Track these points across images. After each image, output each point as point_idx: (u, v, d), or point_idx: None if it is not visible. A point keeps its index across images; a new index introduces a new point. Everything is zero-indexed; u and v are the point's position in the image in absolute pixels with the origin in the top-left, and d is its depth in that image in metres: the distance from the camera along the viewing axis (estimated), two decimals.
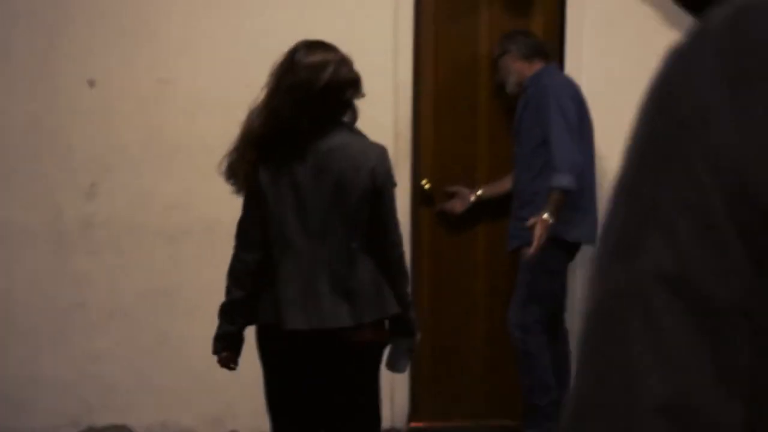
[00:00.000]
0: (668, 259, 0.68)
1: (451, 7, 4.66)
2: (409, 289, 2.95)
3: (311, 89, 2.69)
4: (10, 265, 4.51)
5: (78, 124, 4.49)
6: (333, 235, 2.78)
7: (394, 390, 4.43)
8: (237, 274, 2.90)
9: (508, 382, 4.59)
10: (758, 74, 0.68)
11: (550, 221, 3.86)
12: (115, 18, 4.49)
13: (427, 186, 4.62)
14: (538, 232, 3.85)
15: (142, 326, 4.55)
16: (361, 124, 2.95)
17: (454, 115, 4.70)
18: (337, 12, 4.49)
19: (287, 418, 2.99)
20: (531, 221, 3.86)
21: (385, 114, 4.34)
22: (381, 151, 2.82)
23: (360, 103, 2.90)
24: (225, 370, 3.09)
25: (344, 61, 2.77)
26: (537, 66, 4.29)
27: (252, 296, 2.87)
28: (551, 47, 4.48)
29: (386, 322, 2.94)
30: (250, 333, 3.08)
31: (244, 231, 2.87)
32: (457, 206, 4.58)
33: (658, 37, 4.48)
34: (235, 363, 3.03)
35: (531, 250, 3.87)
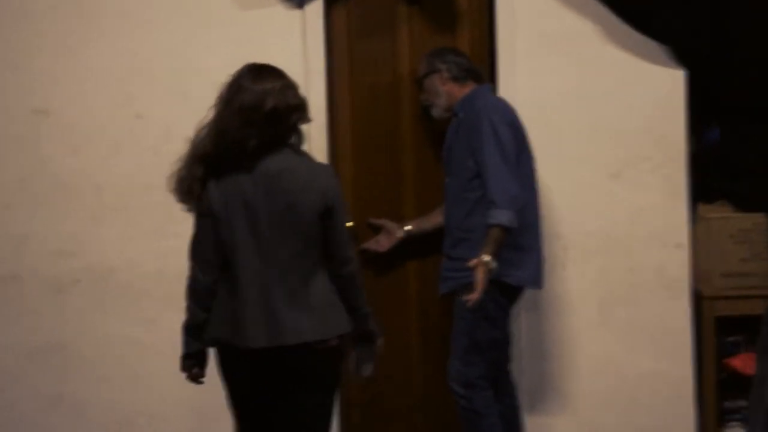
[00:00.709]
0: None
1: (365, 24, 4.23)
2: (363, 302, 3.06)
3: (258, 112, 2.83)
4: None
5: None
6: (286, 253, 2.89)
7: None
8: (198, 295, 2.99)
9: None
10: None
11: (492, 264, 3.40)
12: None
13: (349, 224, 4.07)
14: (479, 275, 3.40)
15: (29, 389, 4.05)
16: None
17: (375, 144, 4.26)
18: (239, 33, 4.07)
19: (250, 422, 3.08)
20: (472, 262, 3.40)
21: None
22: (329, 171, 3.01)
23: None
24: None
25: (290, 86, 2.92)
26: (469, 88, 3.86)
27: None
28: (481, 67, 4.04)
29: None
30: None
31: (201, 252, 2.96)
32: (383, 243, 4.14)
33: (596, 54, 4.15)
34: (203, 377, 3.12)
35: (473, 295, 3.39)
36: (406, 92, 4.21)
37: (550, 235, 4.09)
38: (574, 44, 4.14)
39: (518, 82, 4.14)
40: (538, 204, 3.83)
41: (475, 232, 3.62)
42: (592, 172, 4.19)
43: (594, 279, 4.20)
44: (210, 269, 2.95)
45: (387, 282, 4.24)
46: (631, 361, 4.18)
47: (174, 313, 3.89)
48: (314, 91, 3.97)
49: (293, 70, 3.73)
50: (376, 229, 4.19)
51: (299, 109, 2.93)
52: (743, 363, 4.07)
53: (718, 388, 4.16)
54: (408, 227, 4.10)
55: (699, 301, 4.17)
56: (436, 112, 3.93)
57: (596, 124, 4.18)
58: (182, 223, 3.90)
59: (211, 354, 3.11)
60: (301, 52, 4.07)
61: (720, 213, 4.19)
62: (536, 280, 3.80)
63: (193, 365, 3.09)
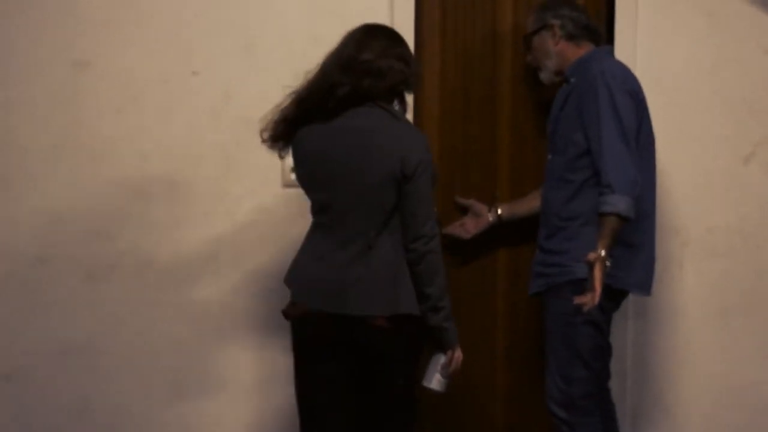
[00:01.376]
0: None
1: None
2: (439, 291, 2.77)
3: (356, 60, 2.76)
4: None
5: None
6: (354, 215, 2.76)
7: None
8: None
9: None
10: None
11: (607, 261, 2.86)
12: None
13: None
14: (597, 273, 2.84)
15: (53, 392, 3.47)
16: None
17: (466, 112, 3.66)
18: None
19: (316, 419, 2.87)
20: (591, 256, 2.84)
21: None
22: (418, 139, 2.81)
23: None
24: None
25: (400, 49, 2.84)
26: (585, 49, 3.27)
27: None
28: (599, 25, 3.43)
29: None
30: None
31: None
32: (468, 228, 3.58)
33: (735, 15, 3.52)
34: None
35: (588, 298, 2.85)
36: (506, 51, 3.63)
37: (665, 228, 3.51)
38: (708, 1, 3.53)
39: (638, 45, 3.53)
40: (654, 193, 3.23)
41: (577, 221, 3.12)
42: (719, 155, 3.61)
43: (715, 283, 3.64)
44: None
45: (470, 274, 3.67)
46: (756, 383, 3.60)
47: (223, 310, 3.50)
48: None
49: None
50: (463, 211, 3.62)
51: (402, 73, 2.79)
52: None
53: None
54: (499, 210, 3.53)
55: None
56: (545, 76, 3.35)
57: (728, 99, 3.58)
58: (238, 202, 3.47)
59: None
60: (388, 5, 3.50)
61: None
62: (644, 284, 3.22)
63: None
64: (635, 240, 3.11)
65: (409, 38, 3.42)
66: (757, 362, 3.60)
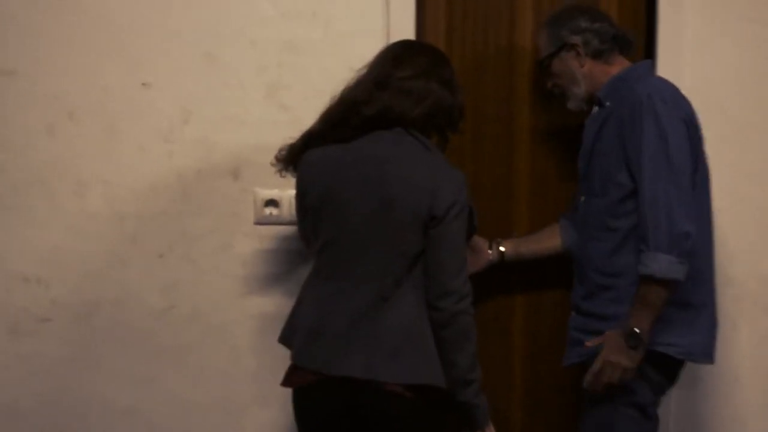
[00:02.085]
0: None
1: None
2: (469, 361, 2.38)
3: (392, 76, 2.39)
4: None
5: None
6: (368, 258, 2.36)
7: None
8: None
9: None
10: None
11: (637, 354, 2.44)
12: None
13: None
14: (607, 373, 2.48)
15: None
16: None
17: (478, 134, 3.04)
18: None
19: None
20: (595, 341, 2.46)
21: None
22: (454, 177, 2.38)
23: None
24: None
25: (445, 75, 2.45)
26: (618, 66, 2.68)
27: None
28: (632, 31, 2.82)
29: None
30: None
31: (300, 226, 2.58)
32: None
33: None
34: None
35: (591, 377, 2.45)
36: (524, 65, 3.01)
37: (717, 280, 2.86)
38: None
39: (685, 56, 2.93)
40: (713, 240, 2.64)
41: (625, 279, 2.54)
42: None
43: None
44: (306, 245, 2.59)
45: (485, 310, 3.06)
46: None
47: (174, 370, 2.92)
48: None
49: (371, 30, 2.88)
50: None
51: (444, 101, 2.41)
52: None
53: None
54: (502, 248, 2.92)
55: None
56: (574, 104, 2.74)
57: None
58: (199, 243, 2.88)
59: None
60: (382, 6, 2.91)
61: None
62: (707, 350, 2.62)
63: None
64: (693, 299, 2.54)
65: None
66: None
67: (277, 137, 2.53)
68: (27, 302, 2.87)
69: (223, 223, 2.91)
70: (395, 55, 2.43)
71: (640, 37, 2.91)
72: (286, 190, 2.83)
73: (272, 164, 2.49)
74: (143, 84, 2.84)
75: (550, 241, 2.89)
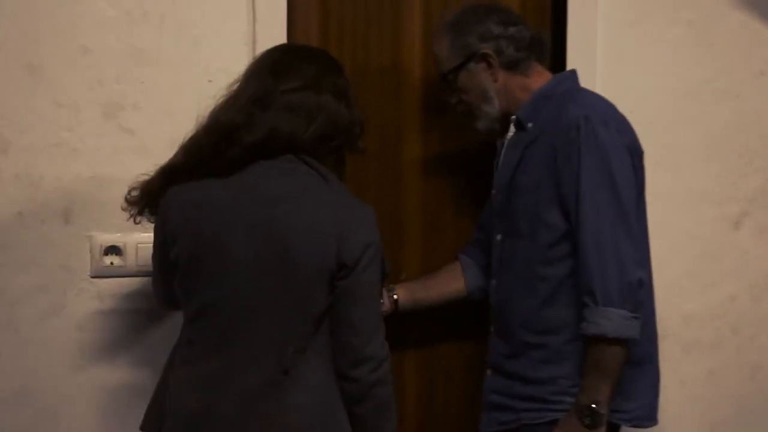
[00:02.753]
0: None
1: None
2: None
3: (273, 93, 1.96)
4: None
5: None
6: (260, 323, 1.94)
7: None
8: None
9: None
10: None
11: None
12: None
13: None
14: None
15: None
16: None
17: (359, 169, 2.54)
18: None
19: None
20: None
21: None
22: (363, 214, 1.99)
23: None
24: None
25: (339, 83, 2.03)
26: (537, 77, 2.28)
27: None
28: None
29: None
30: None
31: (155, 283, 2.14)
32: None
33: (735, 28, 2.63)
34: None
35: None
36: (413, 82, 2.60)
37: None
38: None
39: (599, 69, 2.58)
40: (651, 280, 2.28)
41: (559, 336, 2.17)
42: (702, 215, 2.70)
43: (701, 390, 2.73)
44: (169, 306, 2.16)
45: None
46: None
47: None
48: None
49: (233, 37, 2.44)
50: None
51: (342, 116, 2.01)
52: None
53: None
54: (395, 295, 2.49)
55: None
56: (484, 124, 2.32)
57: (714, 137, 2.68)
58: (22, 302, 2.39)
59: None
60: (246, 8, 2.45)
61: None
62: (653, 412, 2.27)
63: None
64: (638, 352, 2.16)
65: None
66: None
67: (118, 169, 2.23)
68: None
69: (53, 278, 2.38)
70: (275, 64, 2.02)
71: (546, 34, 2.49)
72: (131, 234, 2.36)
73: (123, 208, 2.05)
74: None
75: (451, 284, 2.50)
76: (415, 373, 2.66)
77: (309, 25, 2.52)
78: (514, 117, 2.25)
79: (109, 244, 2.38)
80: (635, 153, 2.15)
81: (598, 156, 2.07)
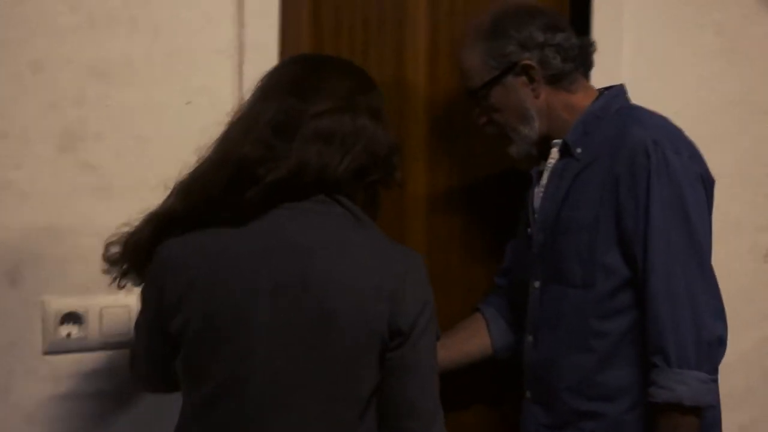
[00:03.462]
0: None
1: None
2: None
3: (298, 120, 1.59)
4: None
5: None
6: (296, 413, 1.57)
7: None
8: None
9: None
10: None
11: None
12: None
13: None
14: None
15: None
16: None
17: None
18: None
19: None
20: None
21: None
22: (414, 264, 1.62)
23: None
24: None
25: (372, 102, 1.66)
26: (584, 94, 1.95)
27: None
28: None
29: None
30: None
31: (137, 363, 1.73)
32: None
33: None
34: None
35: None
36: (418, 101, 2.22)
37: None
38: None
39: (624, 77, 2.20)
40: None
41: (619, 403, 1.87)
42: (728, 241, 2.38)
43: None
44: (159, 390, 1.77)
45: None
46: None
47: None
48: (251, 80, 1.79)
49: (218, 47, 2.03)
50: None
51: (381, 144, 1.63)
52: None
53: None
54: None
55: None
56: (519, 150, 1.97)
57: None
58: None
59: None
60: (234, 13, 2.02)
61: None
62: None
63: None
64: (710, 418, 1.86)
65: (265, 61, 1.86)
66: None
67: (78, 215, 1.86)
68: None
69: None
70: (297, 80, 1.64)
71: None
72: (93, 297, 1.90)
73: (105, 272, 1.66)
74: None
75: (474, 341, 2.14)
76: None
77: (300, 32, 2.11)
78: (558, 141, 1.91)
79: (66, 311, 1.91)
80: (708, 183, 1.85)
81: (670, 188, 1.77)
